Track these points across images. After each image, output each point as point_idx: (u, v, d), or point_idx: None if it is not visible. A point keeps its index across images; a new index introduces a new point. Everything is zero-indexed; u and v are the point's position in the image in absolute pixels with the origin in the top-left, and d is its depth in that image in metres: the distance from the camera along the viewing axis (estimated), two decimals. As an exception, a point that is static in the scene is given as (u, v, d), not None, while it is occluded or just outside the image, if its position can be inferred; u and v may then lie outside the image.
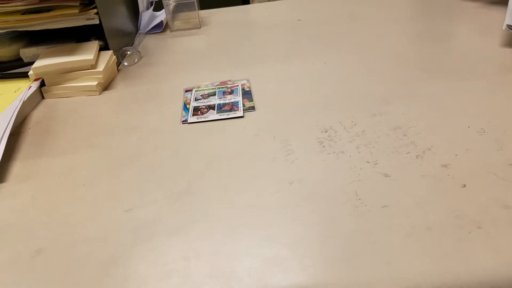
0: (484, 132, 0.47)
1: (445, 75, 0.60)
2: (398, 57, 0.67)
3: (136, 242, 0.38)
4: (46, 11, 0.67)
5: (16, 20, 0.66)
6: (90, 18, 0.66)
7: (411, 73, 0.61)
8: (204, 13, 0.98)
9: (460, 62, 0.63)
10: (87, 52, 0.65)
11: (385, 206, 0.39)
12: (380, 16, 0.84)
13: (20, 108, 0.58)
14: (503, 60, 0.62)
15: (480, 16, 0.79)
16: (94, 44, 0.68)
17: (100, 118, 0.59)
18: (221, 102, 0.59)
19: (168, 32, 0.89)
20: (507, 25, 0.66)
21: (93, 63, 0.64)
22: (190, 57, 0.76)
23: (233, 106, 0.58)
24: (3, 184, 0.48)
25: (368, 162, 0.44)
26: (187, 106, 0.59)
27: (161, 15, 0.92)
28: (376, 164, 0.44)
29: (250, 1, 1.64)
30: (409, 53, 0.67)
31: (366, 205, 0.39)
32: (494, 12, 0.80)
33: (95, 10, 0.66)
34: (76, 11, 0.66)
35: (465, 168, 0.42)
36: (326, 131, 0.50)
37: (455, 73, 0.60)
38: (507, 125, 0.48)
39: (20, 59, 0.71)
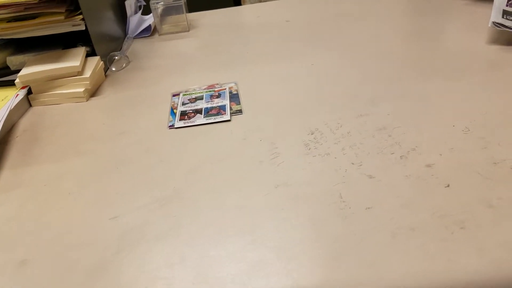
0: (469, 130, 0.47)
1: (432, 73, 0.60)
2: (386, 56, 0.67)
3: (122, 249, 0.38)
4: (31, 19, 0.66)
5: (2, 28, 0.66)
6: (76, 24, 0.66)
7: (398, 72, 0.62)
8: (193, 15, 0.98)
9: (447, 60, 0.63)
10: (74, 59, 0.65)
11: (369, 207, 0.39)
12: (368, 15, 0.85)
13: (7, 117, 0.58)
14: (489, 57, 0.62)
15: (467, 13, 0.79)
16: (81, 51, 0.67)
17: (87, 124, 0.59)
18: (209, 106, 0.59)
19: (156, 36, 0.89)
20: (493, 22, 0.67)
21: (80, 69, 0.64)
22: (178, 60, 0.76)
23: (220, 110, 0.58)
24: (-11, 194, 0.47)
25: (353, 163, 0.45)
26: (174, 111, 0.59)
27: (149, 19, 0.92)
28: (360, 165, 0.44)
29: (242, 2, 1.64)
30: (397, 52, 0.68)
31: (350, 207, 0.39)
32: (481, 8, 0.80)
33: (80, 16, 0.66)
34: (62, 17, 0.66)
35: (449, 168, 0.42)
36: (312, 133, 0.51)
37: (442, 72, 0.60)
38: (492, 123, 0.48)
39: (7, 67, 0.71)
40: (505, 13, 0.67)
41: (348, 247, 0.35)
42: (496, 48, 0.65)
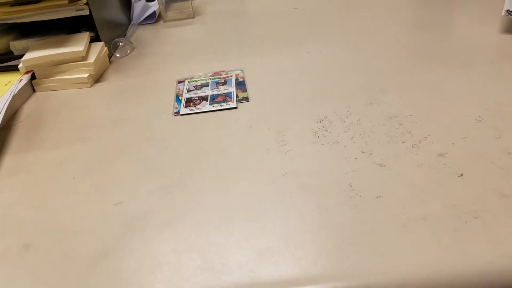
0: (482, 120, 0.46)
1: (443, 62, 0.59)
2: (395, 45, 0.65)
3: (127, 235, 0.37)
4: (35, 2, 0.65)
5: (5, 12, 0.65)
6: (80, 9, 0.65)
7: (408, 61, 0.60)
8: (198, 2, 0.97)
9: (458, 49, 0.62)
10: (78, 44, 0.64)
11: (379, 196, 0.38)
12: (378, 4, 0.83)
13: (10, 102, 0.57)
14: (502, 47, 0.61)
15: (479, 2, 0.78)
16: (85, 36, 0.66)
17: (91, 110, 0.58)
18: (214, 93, 0.58)
19: (161, 22, 0.88)
20: (507, 10, 0.65)
21: (84, 54, 0.63)
22: (183, 47, 0.75)
23: (226, 97, 0.57)
24: (-8, 179, 0.47)
25: (363, 152, 0.43)
26: (180, 97, 0.58)
27: (154, 6, 0.90)
28: (371, 154, 0.43)
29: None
30: (406, 41, 0.66)
31: (360, 196, 0.38)
32: (493, -3, 0.79)
33: (84, 1, 0.65)
34: (66, 2, 0.64)
35: (462, 157, 0.41)
36: (320, 121, 0.49)
37: (453, 61, 0.59)
38: (506, 112, 0.47)
39: (11, 52, 0.70)
40: (519, 1, 0.65)
41: (358, 236, 0.34)
42: (509, 37, 0.64)
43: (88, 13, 0.66)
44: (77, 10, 0.65)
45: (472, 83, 0.53)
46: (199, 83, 0.61)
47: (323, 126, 0.49)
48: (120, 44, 0.74)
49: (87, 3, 0.65)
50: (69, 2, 0.65)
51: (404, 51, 0.63)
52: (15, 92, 0.59)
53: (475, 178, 0.39)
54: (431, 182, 0.39)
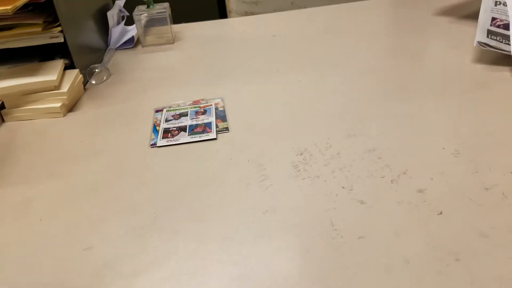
0: (459, 153, 0.46)
1: (419, 92, 0.59)
2: (373, 74, 0.66)
3: (96, 285, 0.35)
4: (7, 30, 0.63)
5: (-25, 39, 0.63)
6: (54, 36, 0.63)
7: (385, 91, 0.61)
8: (178, 27, 0.96)
9: (433, 79, 0.63)
10: (51, 72, 0.62)
11: (361, 237, 0.37)
12: (354, 32, 0.84)
13: (-23, 133, 0.54)
14: (475, 77, 0.62)
15: (452, 31, 0.80)
16: (59, 63, 0.64)
17: (63, 142, 0.56)
18: (193, 123, 0.57)
19: (139, 47, 0.87)
20: (478, 42, 0.67)
21: (57, 83, 0.61)
22: (162, 74, 0.73)
23: (205, 128, 0.56)
24: (-46, 219, 0.44)
25: (343, 187, 0.43)
26: (157, 128, 0.57)
27: (133, 30, 0.89)
28: (351, 190, 0.43)
29: (227, 11, 1.63)
30: (384, 70, 0.67)
31: (342, 237, 0.37)
32: (465, 27, 0.81)
33: (59, 28, 0.63)
34: (39, 29, 0.63)
35: (441, 193, 0.41)
36: (301, 154, 0.49)
37: (429, 91, 0.59)
38: (481, 145, 0.47)
39: (-20, 78, 0.67)
40: (489, 33, 0.67)
41: (341, 281, 0.33)
42: (481, 67, 0.65)
43: (62, 40, 0.64)
44: (51, 37, 0.63)
45: (448, 114, 0.53)
46: (177, 112, 0.60)
47: (303, 159, 0.48)
48: (96, 70, 0.72)
49: (61, 31, 0.63)
50: (43, 30, 0.63)
51: (381, 81, 0.64)
52: (-17, 122, 0.57)
53: (454, 216, 0.38)
54: (412, 221, 0.38)
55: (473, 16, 0.85)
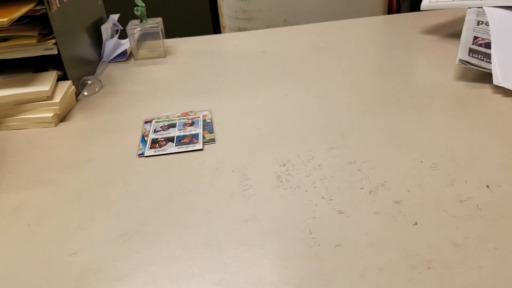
0: (436, 167, 0.48)
1: (400, 108, 0.61)
2: (357, 89, 0.68)
3: (81, 288, 0.36)
4: (3, 41, 0.65)
5: (-30, 49, 0.64)
6: (48, 48, 0.65)
7: (367, 105, 0.63)
8: (170, 42, 0.99)
9: (415, 95, 0.65)
10: (44, 83, 0.63)
11: (338, 245, 0.38)
12: (342, 49, 0.86)
13: (-31, 141, 0.55)
14: (457, 93, 0.64)
15: (436, 49, 0.82)
16: (52, 75, 0.66)
17: (53, 151, 0.57)
18: (181, 134, 0.58)
19: (132, 60, 0.89)
20: (460, 59, 0.69)
21: (50, 94, 0.63)
22: (153, 86, 0.75)
23: (192, 139, 0.57)
24: None
25: (323, 198, 0.44)
26: (145, 138, 0.58)
27: (126, 43, 0.91)
28: (331, 200, 0.44)
29: (221, 27, 1.66)
30: (368, 86, 0.69)
31: (319, 245, 0.39)
32: (449, 45, 0.84)
33: (53, 41, 0.65)
34: (34, 41, 0.64)
35: (417, 205, 0.43)
36: (284, 165, 0.50)
37: (410, 106, 0.61)
38: (458, 159, 0.49)
39: (-26, 88, 0.69)
40: (471, 51, 0.70)
41: None
42: (463, 84, 0.68)
43: (56, 52, 0.66)
44: (45, 49, 0.65)
45: (428, 130, 0.55)
46: (166, 123, 0.62)
47: (286, 170, 0.50)
48: (89, 82, 0.74)
49: (55, 43, 0.65)
50: (38, 42, 0.65)
51: (365, 95, 0.66)
52: (-25, 131, 0.58)
53: (429, 227, 0.40)
54: (387, 231, 0.40)
55: (457, 35, 0.88)
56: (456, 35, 0.88)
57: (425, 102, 0.62)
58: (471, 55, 0.70)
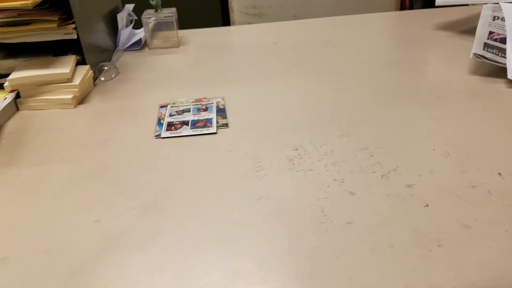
0: (449, 155, 0.49)
1: (413, 100, 0.62)
2: (369, 82, 0.69)
3: (102, 253, 0.37)
4: (25, 25, 0.67)
5: (-6, 32, 0.66)
6: (68, 33, 0.67)
7: (381, 97, 0.63)
8: (184, 32, 1.00)
9: (429, 88, 0.65)
10: (64, 66, 0.65)
11: (349, 223, 0.39)
12: (354, 43, 0.87)
13: (-8, 119, 0.57)
14: (470, 87, 0.65)
15: (450, 44, 0.83)
16: (71, 59, 0.68)
17: (73, 131, 0.59)
18: (195, 118, 0.60)
19: (146, 49, 0.90)
20: (474, 53, 0.70)
21: (69, 76, 0.64)
22: (167, 74, 0.77)
23: (206, 123, 0.58)
24: (-33, 195, 0.47)
25: (335, 180, 0.45)
26: (161, 121, 0.59)
27: (140, 33, 0.93)
28: (343, 182, 0.45)
29: (231, 22, 1.67)
30: (380, 79, 0.70)
31: (331, 222, 0.39)
32: (463, 41, 0.84)
33: (73, 25, 0.67)
34: (55, 25, 0.66)
35: (428, 189, 0.43)
36: (296, 149, 0.51)
37: (424, 99, 0.62)
38: (471, 148, 0.49)
39: (-4, 70, 0.71)
40: (486, 46, 0.70)
41: (327, 260, 0.35)
42: (476, 78, 0.68)
43: (76, 37, 0.67)
44: (65, 34, 0.67)
45: (441, 121, 0.56)
46: (181, 108, 0.63)
47: (298, 154, 0.50)
48: (105, 68, 0.76)
49: (75, 28, 0.67)
50: (58, 26, 0.66)
51: (378, 88, 0.66)
52: (-2, 110, 0.60)
53: (440, 209, 0.41)
54: (399, 211, 0.40)
55: (472, 31, 0.88)
56: (470, 31, 0.88)
57: (439, 95, 0.63)
58: (486, 49, 0.70)
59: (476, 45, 0.70)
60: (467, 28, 0.90)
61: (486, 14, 0.75)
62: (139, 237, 0.39)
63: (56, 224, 0.41)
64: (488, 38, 0.71)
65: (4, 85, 0.64)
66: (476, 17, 0.75)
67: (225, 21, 1.96)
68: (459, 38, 0.86)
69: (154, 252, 0.37)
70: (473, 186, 0.43)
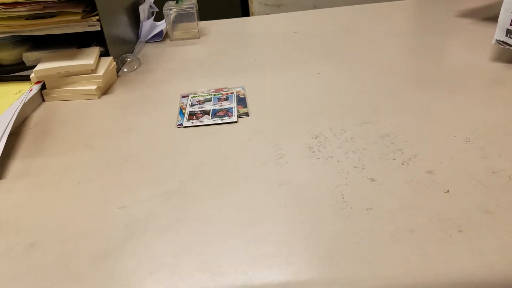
0: (470, 141, 0.49)
1: (434, 86, 0.61)
2: (390, 69, 0.68)
3: (128, 237, 0.39)
4: (49, 17, 0.69)
5: (20, 25, 0.68)
6: (91, 25, 0.68)
7: (401, 84, 0.63)
8: (203, 24, 1.01)
9: (450, 75, 0.65)
10: (88, 57, 0.67)
11: (369, 208, 0.40)
12: (375, 31, 0.87)
13: (20, 110, 0.59)
14: (492, 74, 0.64)
15: (472, 31, 0.81)
16: (95, 50, 0.69)
17: (97, 120, 0.60)
18: (216, 108, 0.61)
19: (168, 41, 0.91)
20: (497, 40, 0.68)
21: (93, 67, 0.66)
22: (188, 65, 0.78)
23: (227, 112, 0.59)
24: (2, 181, 0.49)
25: (355, 167, 0.46)
26: (183, 111, 0.61)
27: (162, 25, 0.94)
28: (363, 169, 0.45)
29: (250, 13, 1.68)
30: (401, 66, 0.69)
31: (351, 207, 0.40)
32: (485, 28, 0.82)
33: (96, 18, 0.68)
34: (78, 17, 0.68)
35: (449, 175, 0.43)
36: (316, 137, 0.52)
37: (445, 86, 0.62)
38: (492, 135, 0.49)
39: (23, 62, 0.73)
40: (508, 32, 0.69)
41: (348, 245, 0.36)
42: (498, 65, 0.67)
43: (99, 29, 0.69)
44: (89, 26, 0.68)
45: (462, 107, 0.55)
46: (202, 98, 0.64)
47: (318, 142, 0.51)
48: (128, 59, 0.77)
49: (98, 20, 0.68)
50: (82, 18, 0.68)
51: (398, 75, 0.66)
52: (25, 101, 0.62)
53: (461, 195, 0.41)
54: (419, 197, 0.41)
55: (494, 18, 0.86)
56: (493, 18, 0.86)
57: (460, 81, 0.62)
58: (508, 35, 0.69)
59: (498, 32, 0.69)
60: (489, 15, 0.89)
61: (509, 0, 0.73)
62: (163, 222, 0.40)
63: (83, 211, 0.43)
64: (511, 24, 0.70)
65: (30, 76, 0.67)
66: (499, 3, 0.74)
67: (245, 12, 1.96)
68: (481, 24, 0.84)
69: (179, 236, 0.38)
70: (494, 172, 0.43)
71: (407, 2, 1.03)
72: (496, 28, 0.70)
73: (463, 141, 0.49)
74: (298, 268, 0.34)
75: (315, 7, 1.58)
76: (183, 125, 0.57)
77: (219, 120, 0.57)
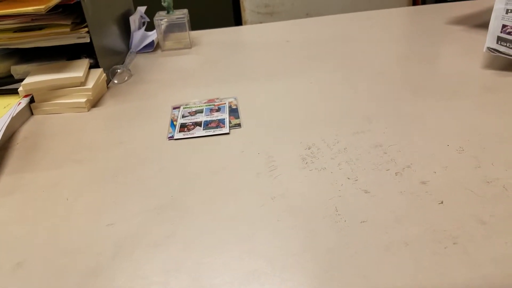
0: (463, 150, 0.48)
1: (428, 95, 0.61)
2: (383, 77, 0.68)
3: (117, 255, 0.38)
4: (38, 29, 0.68)
5: (8, 38, 0.68)
6: (81, 37, 0.68)
7: (394, 92, 0.63)
8: (195, 33, 1.01)
9: (442, 82, 0.65)
10: (77, 70, 0.66)
11: (363, 221, 0.39)
12: (367, 39, 0.87)
13: (8, 124, 0.58)
14: (484, 81, 0.64)
15: (463, 38, 0.82)
16: (84, 62, 0.69)
17: (87, 134, 0.59)
18: (208, 119, 0.60)
19: (159, 51, 0.91)
20: (488, 47, 0.69)
21: (83, 80, 0.65)
22: (179, 75, 0.77)
23: (219, 123, 0.59)
24: (-13, 198, 0.48)
25: (348, 178, 0.45)
26: (174, 123, 0.60)
27: (153, 35, 0.93)
28: (356, 180, 0.45)
29: (243, 22, 1.68)
30: (394, 74, 0.69)
31: (345, 220, 0.39)
32: (476, 35, 0.83)
33: (86, 29, 0.68)
34: (68, 29, 0.67)
35: (443, 185, 0.43)
36: (309, 148, 0.51)
37: (437, 93, 0.61)
38: (486, 143, 0.49)
39: (11, 75, 0.72)
40: (499, 39, 0.69)
41: (342, 259, 0.35)
42: (490, 72, 0.67)
43: (89, 40, 0.68)
44: (78, 37, 0.68)
45: (455, 115, 0.55)
46: (193, 109, 0.63)
47: (311, 152, 0.51)
48: (118, 70, 0.76)
49: (88, 32, 0.68)
50: (71, 30, 0.67)
51: (391, 83, 0.66)
52: (14, 115, 0.61)
53: (455, 205, 0.40)
54: (413, 208, 0.40)
55: (485, 25, 0.87)
56: (484, 25, 0.87)
57: (453, 89, 0.62)
58: (499, 43, 0.69)
59: (489, 39, 0.70)
60: (480, 22, 0.89)
61: (499, 7, 0.74)
62: (153, 238, 0.39)
63: (71, 227, 0.42)
64: (501, 32, 0.70)
65: (18, 90, 0.66)
66: (489, 10, 0.74)
67: (237, 21, 1.97)
68: (473, 32, 0.85)
69: (169, 253, 0.37)
70: (488, 182, 0.43)
71: (399, 10, 1.04)
72: (487, 36, 0.70)
73: (457, 150, 0.48)
74: (291, 284, 0.34)
75: (308, 15, 1.58)
76: (174, 138, 0.56)
77: (211, 132, 0.57)
